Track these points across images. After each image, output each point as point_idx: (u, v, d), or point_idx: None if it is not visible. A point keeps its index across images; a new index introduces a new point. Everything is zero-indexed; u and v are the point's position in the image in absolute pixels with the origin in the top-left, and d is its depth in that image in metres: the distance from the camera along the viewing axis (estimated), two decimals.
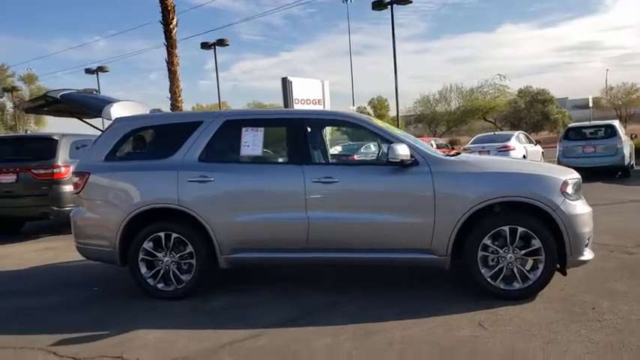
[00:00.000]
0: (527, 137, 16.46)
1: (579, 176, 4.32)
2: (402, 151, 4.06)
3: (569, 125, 15.33)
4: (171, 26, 15.76)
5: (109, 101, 5.08)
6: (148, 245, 4.46)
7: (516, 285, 4.04)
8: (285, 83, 21.74)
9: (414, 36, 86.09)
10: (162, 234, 4.44)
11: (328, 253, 4.32)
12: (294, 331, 3.60)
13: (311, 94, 22.28)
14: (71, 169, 8.52)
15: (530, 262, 4.07)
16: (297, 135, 4.46)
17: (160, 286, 4.47)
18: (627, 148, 13.13)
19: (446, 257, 4.16)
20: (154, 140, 4.75)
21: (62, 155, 8.54)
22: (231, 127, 4.60)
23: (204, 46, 31.67)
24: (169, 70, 15.94)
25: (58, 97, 4.83)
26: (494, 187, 4.05)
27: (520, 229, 4.00)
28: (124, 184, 4.58)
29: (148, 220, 4.52)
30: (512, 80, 31.26)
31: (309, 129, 4.51)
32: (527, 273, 4.02)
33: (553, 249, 3.97)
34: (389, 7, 23.43)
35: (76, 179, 4.74)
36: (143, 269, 4.48)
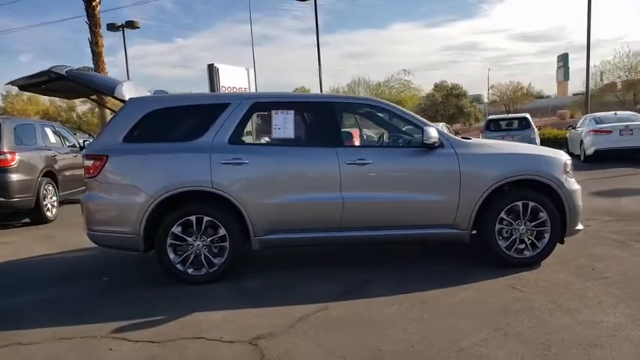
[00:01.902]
0: (448, 128, 17.80)
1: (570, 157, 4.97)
2: (434, 133, 4.40)
3: (490, 117, 16.84)
4: (94, 3, 14.69)
5: (115, 80, 4.79)
6: (176, 230, 4.35)
7: (527, 253, 4.58)
8: (212, 70, 21.31)
9: (309, 29, 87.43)
10: (193, 217, 4.36)
11: (361, 231, 4.55)
12: (356, 303, 3.79)
13: (237, 82, 22.09)
14: (17, 155, 7.81)
15: (535, 232, 4.61)
16: (329, 118, 4.60)
17: (190, 271, 4.40)
18: (538, 139, 14.81)
19: (467, 231, 4.59)
20: (176, 122, 4.59)
21: (7, 141, 7.78)
22: (260, 109, 4.63)
23: (111, 27, 29.56)
24: (93, 52, 14.87)
25: (64, 73, 4.45)
26: (512, 166, 4.54)
27: (531, 204, 4.52)
28: (150, 167, 4.41)
29: (173, 205, 4.40)
30: (406, 76, 33.47)
31: (342, 113, 4.67)
32: (536, 242, 4.58)
33: (557, 220, 4.55)
34: None
35: (89, 162, 4.45)
36: (171, 255, 4.37)
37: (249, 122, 4.71)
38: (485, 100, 38.18)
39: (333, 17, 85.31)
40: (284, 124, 4.51)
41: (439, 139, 4.48)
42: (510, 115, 16.80)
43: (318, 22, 23.39)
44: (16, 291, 4.56)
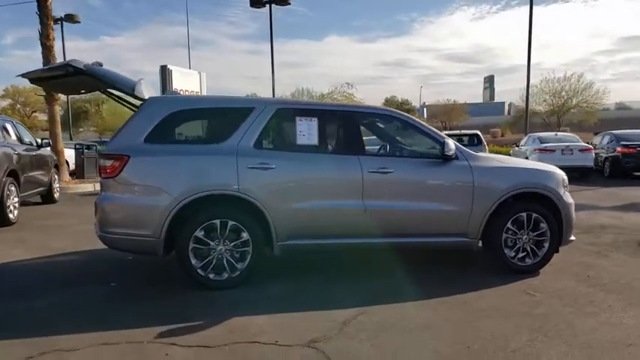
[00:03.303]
0: None
1: None
2: (453, 146, 4.64)
3: (444, 133, 17.56)
4: None
5: (130, 78, 4.61)
6: (200, 234, 4.27)
7: (528, 261, 4.91)
8: (165, 72, 20.69)
9: (245, 36, 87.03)
10: (217, 221, 4.29)
11: (380, 238, 4.66)
12: (391, 307, 3.89)
13: (189, 85, 21.62)
14: None
15: (535, 242, 4.93)
16: (352, 127, 4.71)
17: (211, 276, 4.31)
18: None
19: (476, 240, 4.85)
20: (200, 124, 4.51)
21: None
22: (284, 115, 4.65)
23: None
24: (43, 45, 13.98)
25: (83, 67, 4.22)
26: (519, 179, 4.86)
27: (534, 215, 4.87)
28: (175, 169, 4.29)
29: (196, 208, 4.31)
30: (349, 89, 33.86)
31: (364, 123, 4.79)
32: (537, 250, 4.92)
33: (556, 231, 4.92)
34: (267, 5, 23.80)
35: (108, 162, 4.27)
36: (193, 260, 4.27)
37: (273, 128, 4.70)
38: (425, 116, 39.94)
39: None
40: (308, 131, 4.56)
41: (455, 152, 4.72)
42: (463, 131, 17.67)
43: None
44: (19, 296, 4.24)
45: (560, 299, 4.14)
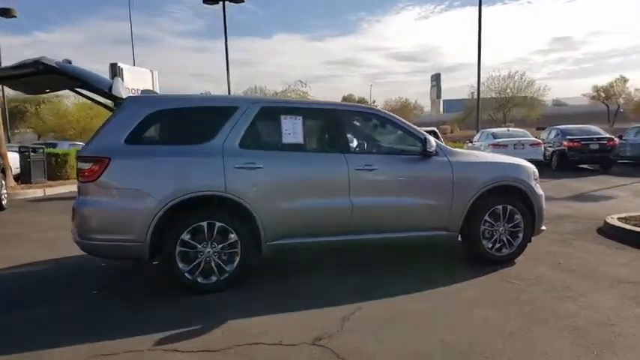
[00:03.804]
0: None
1: None
2: (434, 142, 4.77)
3: None
4: None
5: (103, 77, 4.43)
6: (186, 236, 4.17)
7: (505, 251, 5.12)
8: (115, 69, 19.99)
9: (191, 32, 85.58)
10: (204, 223, 4.21)
11: (367, 234, 4.73)
12: (385, 302, 3.97)
13: (142, 84, 20.96)
14: None
15: (510, 233, 5.15)
16: (337, 125, 4.73)
17: (199, 279, 4.23)
18: None
19: (456, 233, 5.01)
20: (182, 123, 4.39)
21: None
22: (268, 114, 4.62)
23: None
24: None
25: (55, 65, 3.99)
26: (496, 173, 5.06)
27: (509, 207, 5.09)
28: (159, 170, 4.17)
29: (181, 210, 4.21)
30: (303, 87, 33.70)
31: (348, 121, 4.84)
32: (512, 241, 5.14)
33: (529, 222, 5.16)
34: (220, 2, 23.45)
35: (86, 165, 4.09)
36: (180, 263, 4.17)
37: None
38: None
39: (218, 22, 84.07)
40: (293, 130, 4.55)
41: (435, 148, 4.85)
42: (421, 128, 18.04)
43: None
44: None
45: (539, 286, 4.36)
